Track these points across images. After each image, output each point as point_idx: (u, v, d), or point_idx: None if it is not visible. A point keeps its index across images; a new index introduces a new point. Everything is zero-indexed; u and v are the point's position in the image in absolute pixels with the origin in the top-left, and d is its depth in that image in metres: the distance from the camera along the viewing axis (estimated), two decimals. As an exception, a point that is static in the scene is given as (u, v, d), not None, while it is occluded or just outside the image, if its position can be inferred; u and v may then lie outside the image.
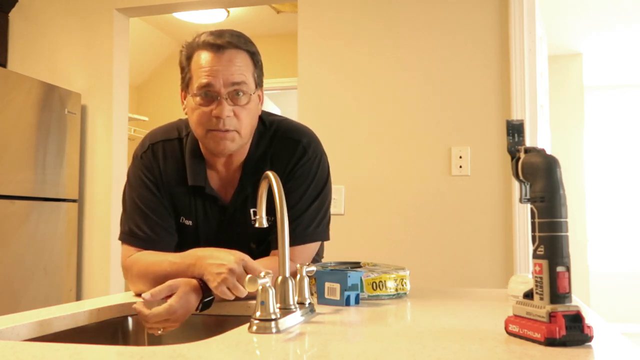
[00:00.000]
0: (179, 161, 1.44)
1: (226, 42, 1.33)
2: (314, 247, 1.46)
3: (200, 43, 1.35)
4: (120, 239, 1.46)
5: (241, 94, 1.34)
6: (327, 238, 1.51)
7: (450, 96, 2.77)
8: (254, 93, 1.38)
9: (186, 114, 1.41)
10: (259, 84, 1.41)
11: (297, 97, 2.97)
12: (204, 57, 1.34)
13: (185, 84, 1.39)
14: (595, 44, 4.96)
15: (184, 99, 1.41)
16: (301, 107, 2.95)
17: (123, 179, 1.54)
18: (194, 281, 1.22)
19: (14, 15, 3.42)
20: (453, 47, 2.78)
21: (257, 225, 1.14)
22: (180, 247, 1.46)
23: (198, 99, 1.34)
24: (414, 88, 2.82)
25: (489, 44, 2.74)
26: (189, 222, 1.45)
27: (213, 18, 4.31)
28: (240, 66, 1.34)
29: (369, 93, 2.87)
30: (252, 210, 1.43)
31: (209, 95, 1.33)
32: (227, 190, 1.45)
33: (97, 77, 3.29)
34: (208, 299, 1.22)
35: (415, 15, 2.84)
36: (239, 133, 1.35)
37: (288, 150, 1.44)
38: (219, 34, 1.35)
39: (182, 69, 1.40)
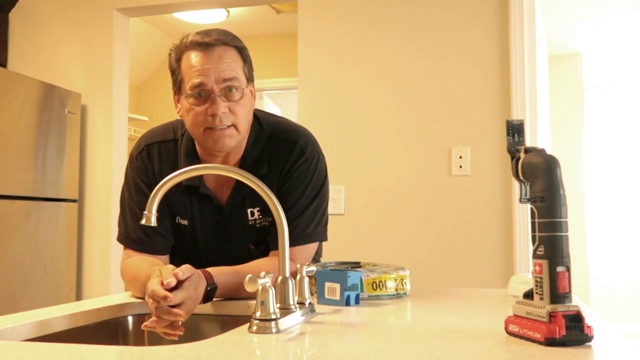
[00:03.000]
0: (175, 162, 1.44)
1: (214, 39, 1.33)
2: (312, 247, 1.46)
3: (188, 43, 1.35)
4: (117, 239, 1.49)
5: (234, 89, 1.34)
6: (325, 239, 1.51)
7: (450, 96, 2.77)
8: (246, 88, 1.38)
9: (181, 116, 1.41)
10: (250, 79, 1.41)
11: (297, 97, 2.96)
12: (193, 57, 1.34)
13: (178, 87, 1.39)
14: (594, 43, 4.96)
15: (178, 102, 1.41)
16: (301, 107, 2.95)
17: (123, 179, 1.55)
18: (199, 270, 1.22)
19: (14, 15, 3.42)
20: (453, 48, 2.78)
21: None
22: (179, 247, 1.47)
23: (192, 99, 1.34)
24: (414, 88, 2.82)
25: (489, 44, 2.74)
26: (184, 222, 1.45)
27: (213, 18, 4.30)
28: (230, 62, 1.34)
29: (369, 93, 2.87)
30: (249, 211, 1.43)
31: (203, 94, 1.33)
32: (223, 190, 1.45)
33: (97, 77, 3.29)
34: (212, 286, 1.22)
35: (415, 16, 2.84)
36: (236, 128, 1.35)
37: (285, 151, 1.43)
38: (206, 32, 1.35)
39: (173, 72, 1.39)
